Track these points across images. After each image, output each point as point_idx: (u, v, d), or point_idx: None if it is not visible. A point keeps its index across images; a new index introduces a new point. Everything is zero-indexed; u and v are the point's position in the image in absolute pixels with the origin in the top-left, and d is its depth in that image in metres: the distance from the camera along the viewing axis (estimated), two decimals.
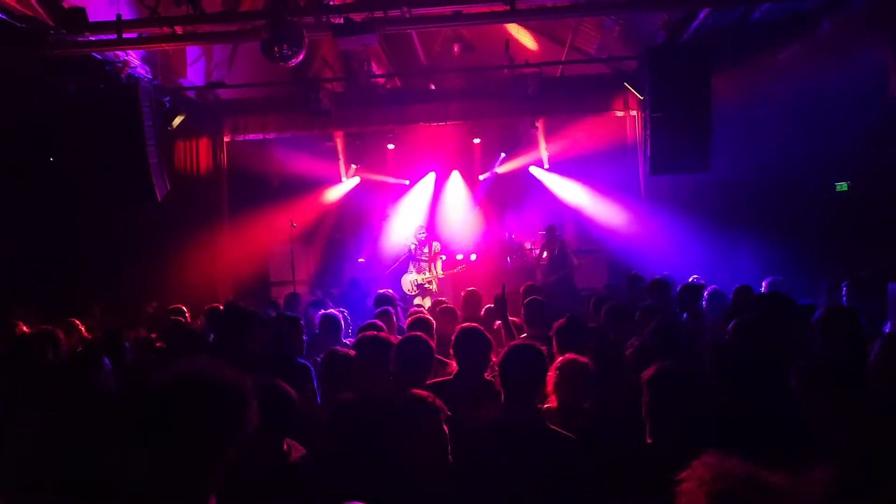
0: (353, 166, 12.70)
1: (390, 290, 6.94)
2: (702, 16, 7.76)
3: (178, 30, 7.32)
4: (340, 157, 12.35)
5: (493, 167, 13.07)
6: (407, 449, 2.54)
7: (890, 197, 7.46)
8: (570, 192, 12.42)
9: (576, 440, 2.86)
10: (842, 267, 6.85)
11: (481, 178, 13.21)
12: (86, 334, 6.29)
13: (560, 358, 3.44)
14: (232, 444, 1.66)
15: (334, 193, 12.87)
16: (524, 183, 12.92)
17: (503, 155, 12.79)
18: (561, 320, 4.21)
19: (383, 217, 13.48)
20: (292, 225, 10.69)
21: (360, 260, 12.75)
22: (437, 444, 2.56)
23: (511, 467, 2.67)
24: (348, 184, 12.93)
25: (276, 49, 6.62)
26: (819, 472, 2.17)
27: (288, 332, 4.51)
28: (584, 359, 3.42)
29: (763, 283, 6.55)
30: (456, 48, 9.13)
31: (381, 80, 10.82)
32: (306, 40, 6.61)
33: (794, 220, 9.16)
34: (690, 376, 2.68)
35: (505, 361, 2.96)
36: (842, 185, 9.53)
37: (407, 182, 13.42)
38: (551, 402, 3.42)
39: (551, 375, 3.36)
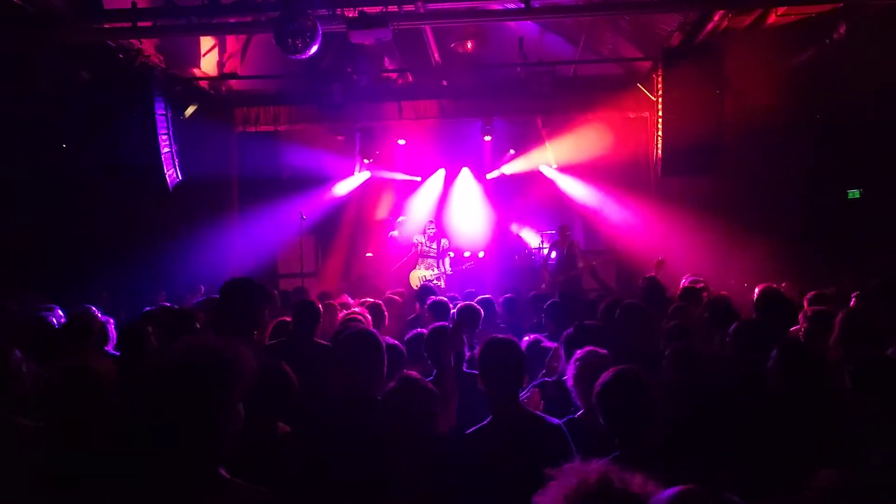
0: (366, 160, 12.70)
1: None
2: (717, 18, 7.72)
3: (193, 20, 7.33)
4: (356, 149, 12.37)
5: (501, 165, 13.03)
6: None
7: None
8: (580, 191, 12.38)
9: (561, 428, 2.81)
10: (851, 274, 6.81)
11: (489, 176, 13.18)
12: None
13: (579, 351, 3.32)
14: (229, 413, 1.70)
15: (345, 187, 12.88)
16: (534, 181, 12.88)
17: (512, 152, 12.75)
18: (569, 329, 4.04)
19: (393, 212, 13.48)
20: (302, 218, 10.71)
21: (368, 255, 12.76)
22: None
23: (509, 465, 2.63)
24: (359, 178, 12.94)
25: (289, 41, 6.63)
26: (822, 477, 2.15)
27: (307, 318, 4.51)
28: (603, 351, 3.31)
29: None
30: (470, 44, 9.10)
31: (394, 76, 10.81)
32: (320, 32, 6.62)
33: (806, 225, 9.10)
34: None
35: (484, 360, 2.88)
36: (854, 193, 9.46)
37: (419, 178, 13.41)
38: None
39: (570, 368, 3.28)
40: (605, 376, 2.61)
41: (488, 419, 2.84)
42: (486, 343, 2.94)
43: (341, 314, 5.36)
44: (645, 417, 2.50)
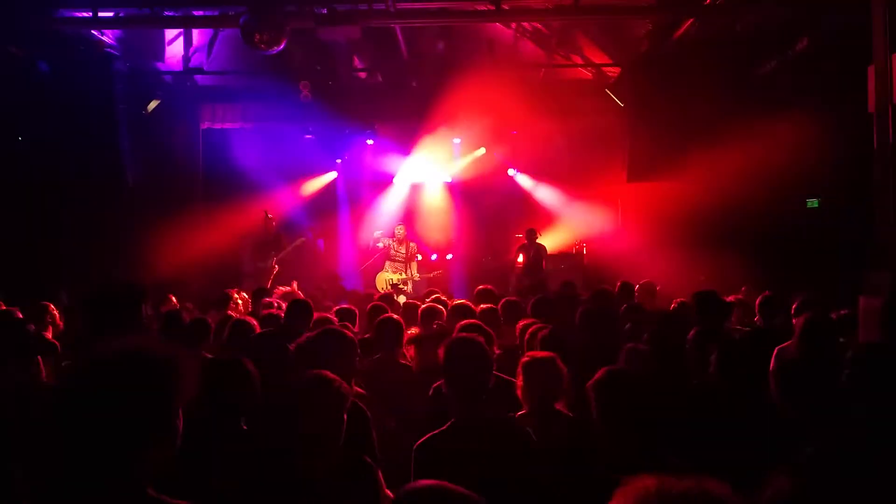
0: (337, 160, 12.61)
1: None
2: (685, 26, 7.83)
3: (157, 11, 7.17)
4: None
5: (468, 167, 12.99)
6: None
7: (860, 214, 7.57)
8: (548, 196, 12.44)
9: (531, 438, 2.69)
10: (809, 284, 6.93)
11: (456, 178, 13.11)
12: (59, 320, 6.12)
13: (525, 357, 3.25)
14: (160, 422, 1.57)
15: (312, 186, 12.75)
16: (502, 185, 12.90)
17: (483, 150, 12.66)
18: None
19: (359, 213, 13.36)
20: (267, 216, 10.57)
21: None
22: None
23: (475, 472, 2.53)
24: (326, 177, 12.83)
25: (256, 36, 6.53)
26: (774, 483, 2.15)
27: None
28: (550, 354, 3.23)
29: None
30: (440, 45, 9.09)
31: (363, 75, 10.74)
32: (288, 28, 6.53)
33: (764, 235, 9.26)
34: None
35: (448, 360, 2.74)
36: (813, 202, 9.66)
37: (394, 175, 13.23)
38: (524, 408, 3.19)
39: (519, 377, 3.22)
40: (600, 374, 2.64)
41: (448, 423, 2.68)
42: (449, 343, 2.82)
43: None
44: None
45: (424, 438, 2.65)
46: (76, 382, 1.57)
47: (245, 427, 2.78)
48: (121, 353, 1.58)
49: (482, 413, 2.68)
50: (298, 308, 4.80)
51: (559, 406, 3.19)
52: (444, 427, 2.66)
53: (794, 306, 4.88)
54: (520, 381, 3.17)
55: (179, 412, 1.61)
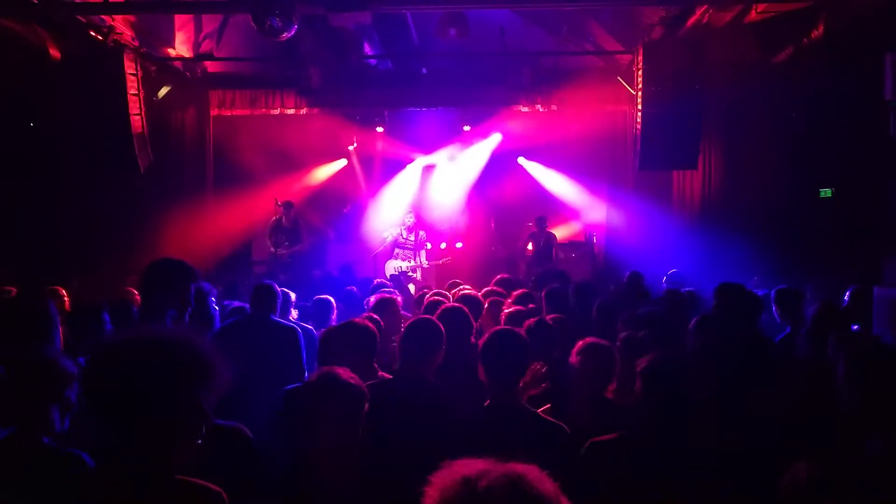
0: (350, 147, 12.60)
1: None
2: (699, 12, 7.73)
3: None
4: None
5: (478, 153, 12.91)
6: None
7: (875, 203, 7.48)
8: (559, 184, 12.38)
9: (567, 431, 2.78)
10: (822, 273, 6.87)
11: (461, 164, 13.04)
12: (67, 305, 6.17)
13: (581, 342, 3.28)
14: (191, 407, 1.58)
15: (322, 174, 12.74)
16: (513, 173, 12.85)
17: (500, 136, 12.57)
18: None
19: (370, 200, 13.34)
20: (277, 204, 10.57)
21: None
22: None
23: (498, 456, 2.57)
24: (336, 165, 12.81)
25: (267, 22, 6.50)
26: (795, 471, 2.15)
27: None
28: (606, 342, 3.29)
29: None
30: (452, 32, 9.02)
31: (373, 62, 10.68)
32: (298, 14, 6.49)
33: (777, 223, 9.18)
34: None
35: (486, 348, 2.88)
36: (826, 192, 9.56)
37: (416, 158, 13.16)
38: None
39: (573, 361, 3.25)
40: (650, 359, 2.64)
41: (486, 403, 2.84)
42: (490, 334, 2.96)
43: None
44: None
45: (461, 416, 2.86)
46: (108, 360, 1.58)
47: None
48: (153, 337, 1.60)
49: (516, 400, 2.84)
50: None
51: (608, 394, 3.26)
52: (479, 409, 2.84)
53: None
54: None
55: (207, 404, 1.61)
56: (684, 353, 3.57)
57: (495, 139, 12.62)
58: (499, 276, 6.48)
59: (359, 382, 2.34)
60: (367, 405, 2.32)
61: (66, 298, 6.16)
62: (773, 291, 5.09)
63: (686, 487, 2.34)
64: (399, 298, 5.32)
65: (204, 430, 1.62)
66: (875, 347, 2.25)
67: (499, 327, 3.22)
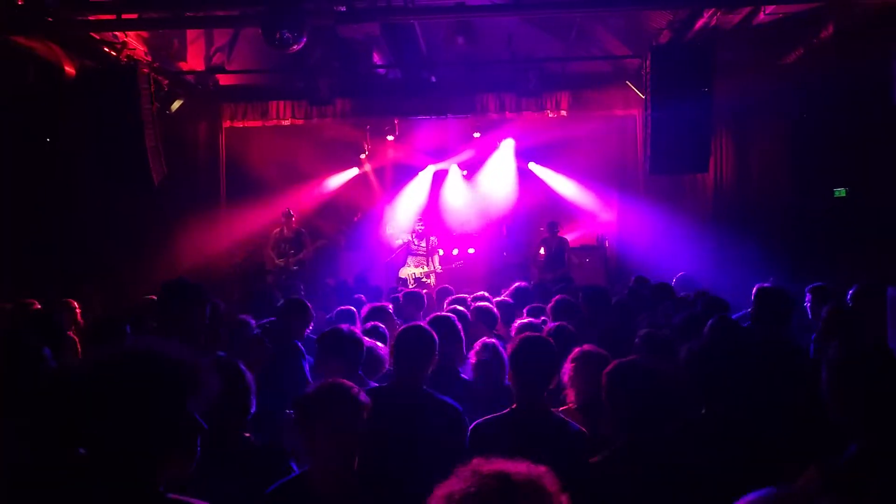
0: (362, 155, 12.68)
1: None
2: (707, 15, 7.72)
3: (179, 12, 7.25)
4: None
5: (488, 161, 12.96)
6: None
7: (888, 203, 7.43)
8: (570, 189, 12.39)
9: (587, 435, 2.83)
10: (836, 273, 6.83)
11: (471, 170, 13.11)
12: (79, 317, 6.27)
13: (577, 349, 3.36)
14: (176, 423, 1.58)
15: (333, 183, 12.83)
16: (524, 178, 12.87)
17: (513, 141, 12.62)
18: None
19: (382, 208, 13.42)
20: (290, 214, 10.66)
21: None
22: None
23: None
24: (348, 174, 12.90)
25: (277, 35, 6.57)
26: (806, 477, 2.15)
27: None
28: (602, 350, 3.34)
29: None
30: (459, 40, 9.08)
31: (382, 71, 10.75)
32: (307, 26, 6.56)
33: (790, 224, 9.13)
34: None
35: (516, 353, 2.96)
36: (840, 191, 9.50)
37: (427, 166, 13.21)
38: (569, 403, 3.36)
39: (567, 368, 3.29)
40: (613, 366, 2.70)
41: (511, 408, 2.92)
42: (520, 340, 3.03)
43: None
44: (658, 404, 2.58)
45: (489, 418, 2.93)
46: (90, 376, 1.58)
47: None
48: (138, 351, 1.60)
49: (543, 405, 2.91)
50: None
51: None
52: (505, 411, 2.91)
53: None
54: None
55: (196, 418, 1.61)
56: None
57: (506, 145, 12.67)
58: (515, 285, 6.53)
59: (361, 392, 2.36)
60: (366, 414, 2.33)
61: (77, 310, 6.25)
62: (807, 290, 5.03)
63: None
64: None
65: (198, 443, 1.61)
66: (859, 353, 2.21)
67: (528, 333, 3.25)
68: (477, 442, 2.86)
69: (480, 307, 5.14)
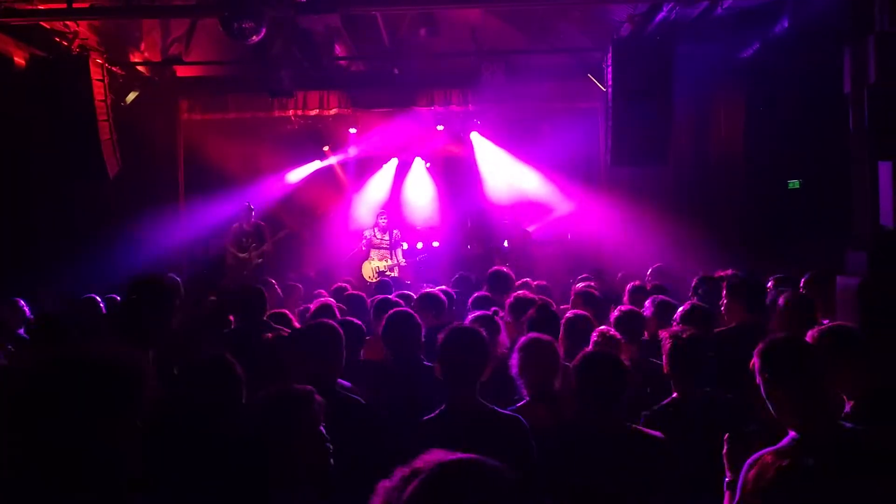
0: (324, 148, 12.58)
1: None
2: (666, 9, 7.81)
3: (133, 1, 7.05)
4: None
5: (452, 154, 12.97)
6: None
7: (840, 194, 7.64)
8: (532, 180, 12.45)
9: (522, 423, 2.79)
10: (790, 263, 6.99)
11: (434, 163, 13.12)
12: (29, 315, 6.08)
13: (522, 338, 3.33)
14: (123, 424, 1.54)
15: (295, 176, 12.68)
16: (487, 171, 12.88)
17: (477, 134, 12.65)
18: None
19: (344, 201, 13.31)
20: (250, 209, 10.50)
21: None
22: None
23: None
24: (309, 167, 12.76)
25: (235, 25, 6.44)
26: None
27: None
28: (548, 337, 3.32)
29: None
30: (422, 32, 9.02)
31: (344, 63, 10.64)
32: (267, 17, 6.44)
33: (746, 216, 9.33)
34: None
35: (445, 344, 2.85)
36: (794, 183, 9.74)
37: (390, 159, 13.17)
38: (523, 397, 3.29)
39: (514, 358, 3.26)
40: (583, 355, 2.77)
41: (442, 407, 2.81)
42: (448, 331, 2.91)
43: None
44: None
45: (424, 419, 2.80)
46: (33, 380, 1.54)
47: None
48: (79, 356, 1.56)
49: (474, 400, 2.79)
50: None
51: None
52: (438, 411, 2.79)
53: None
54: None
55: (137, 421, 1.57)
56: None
57: (469, 138, 12.67)
58: (457, 275, 6.55)
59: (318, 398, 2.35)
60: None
61: (26, 309, 6.08)
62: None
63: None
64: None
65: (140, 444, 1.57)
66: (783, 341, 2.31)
67: (458, 324, 3.17)
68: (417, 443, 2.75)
69: (425, 293, 5.11)
